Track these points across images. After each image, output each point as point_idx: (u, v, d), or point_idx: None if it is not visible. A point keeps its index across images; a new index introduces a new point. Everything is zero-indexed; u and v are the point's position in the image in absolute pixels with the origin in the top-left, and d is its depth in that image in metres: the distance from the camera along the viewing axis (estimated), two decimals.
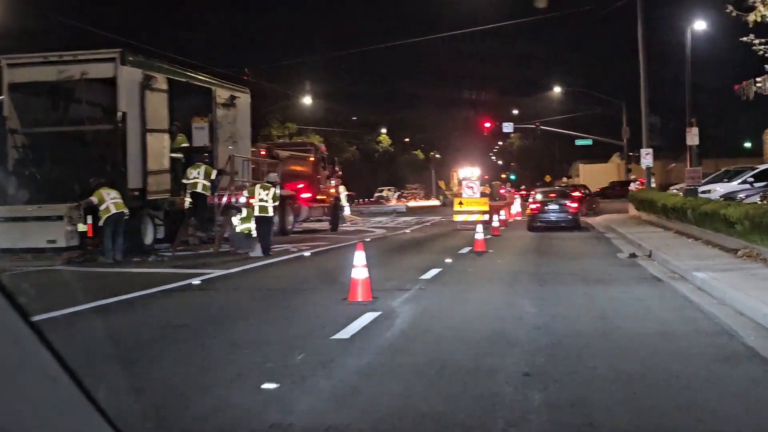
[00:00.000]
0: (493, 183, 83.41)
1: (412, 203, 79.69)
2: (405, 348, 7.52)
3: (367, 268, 10.66)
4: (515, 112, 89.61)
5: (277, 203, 18.71)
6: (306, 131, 77.95)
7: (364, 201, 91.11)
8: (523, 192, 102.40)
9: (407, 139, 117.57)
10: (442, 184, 57.44)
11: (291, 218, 27.03)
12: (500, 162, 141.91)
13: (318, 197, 29.54)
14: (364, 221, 39.38)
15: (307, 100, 70.20)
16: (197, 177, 19.03)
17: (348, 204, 56.09)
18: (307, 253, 18.86)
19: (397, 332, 8.45)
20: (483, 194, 34.84)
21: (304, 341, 7.91)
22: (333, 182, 31.35)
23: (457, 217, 30.27)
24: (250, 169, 22.91)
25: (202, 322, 9.33)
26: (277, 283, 13.40)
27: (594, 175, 73.46)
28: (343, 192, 32.84)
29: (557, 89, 71.07)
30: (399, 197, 78.92)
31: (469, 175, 64.57)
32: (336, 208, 30.55)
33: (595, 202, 42.95)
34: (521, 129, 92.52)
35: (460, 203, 30.33)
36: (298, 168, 28.66)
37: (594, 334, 8.10)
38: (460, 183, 34.22)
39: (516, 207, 42.52)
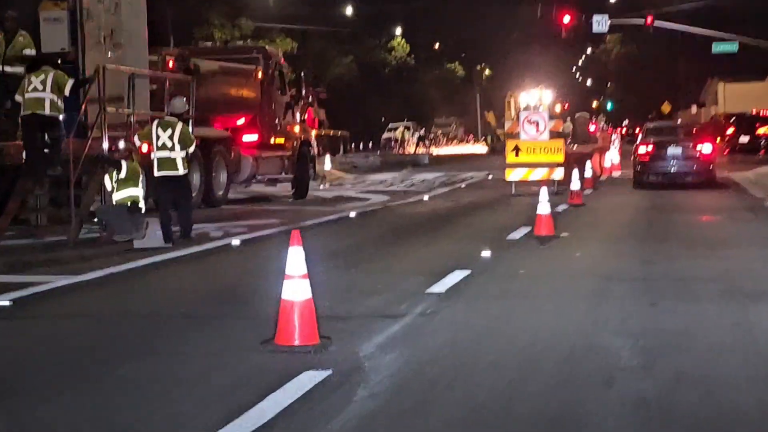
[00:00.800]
0: (577, 115, 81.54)
1: (441, 149, 77.90)
2: None
3: (310, 279, 8.92)
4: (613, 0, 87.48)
5: (190, 150, 17.54)
6: (270, 33, 76.20)
7: (364, 146, 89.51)
8: (625, 129, 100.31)
9: (437, 46, 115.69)
10: (490, 116, 55.18)
11: (223, 177, 25.69)
12: (588, 82, 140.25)
13: (272, 141, 28.26)
14: (357, 180, 37.65)
15: None
16: (41, 90, 17.23)
17: (329, 154, 54.55)
18: (236, 241, 17.30)
19: (353, 422, 6.68)
20: (555, 134, 33.19)
21: None
22: (299, 116, 29.85)
23: (511, 174, 28.74)
24: (146, 94, 21.22)
25: None
26: (158, 305, 11.65)
27: (743, 101, 71.07)
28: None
29: None
30: (421, 140, 77.20)
31: (534, 101, 62.51)
32: (304, 160, 29.11)
33: None
34: (622, 27, 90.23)
35: (516, 150, 28.67)
36: (236, 91, 27.18)
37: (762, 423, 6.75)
38: (518, 116, 32.32)
39: (613, 154, 40.57)
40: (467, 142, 79.04)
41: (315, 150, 31.43)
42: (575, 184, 24.58)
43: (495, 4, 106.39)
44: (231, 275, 14.21)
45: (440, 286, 12.06)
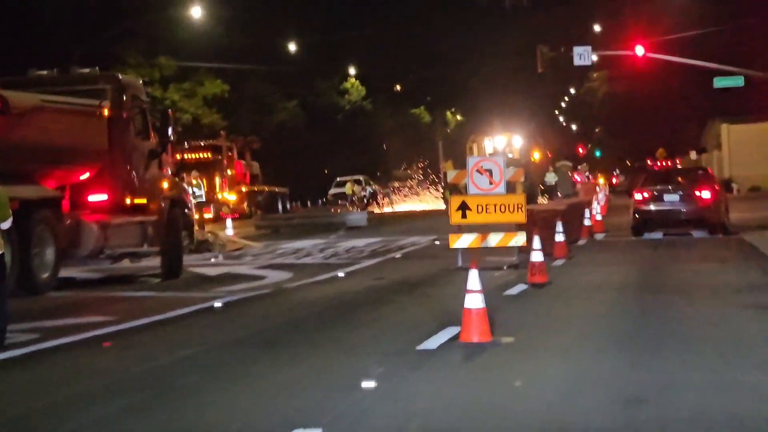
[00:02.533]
0: (559, 165, 76.74)
1: (398, 206, 73.34)
2: None
3: None
4: (597, 29, 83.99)
5: (4, 226, 14.44)
6: (196, 73, 71.64)
7: (312, 203, 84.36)
8: (614, 179, 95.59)
9: (398, 87, 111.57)
10: (449, 166, 50.35)
11: (50, 253, 20.95)
12: (574, 126, 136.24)
13: (128, 202, 23.33)
14: (265, 250, 32.45)
15: (196, 13, 63.59)
16: None
17: (231, 213, 49.40)
18: None
19: None
20: (514, 186, 28.86)
21: None
22: (168, 168, 25.44)
23: (458, 241, 23.74)
24: None
25: None
26: None
27: (751, 144, 67.33)
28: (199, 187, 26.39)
29: None
30: (372, 195, 72.44)
31: (502, 147, 57.73)
32: (174, 228, 24.13)
33: None
34: (609, 62, 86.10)
35: (464, 208, 23.79)
36: (74, 135, 22.31)
37: None
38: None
39: (597, 209, 35.70)
40: (429, 194, 74.62)
41: (194, 212, 26.27)
42: (536, 256, 19.68)
43: (466, 39, 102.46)
44: None
45: None
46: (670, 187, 31.60)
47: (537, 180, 60.97)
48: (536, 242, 19.88)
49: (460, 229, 23.86)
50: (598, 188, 56.53)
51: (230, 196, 58.85)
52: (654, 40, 66.34)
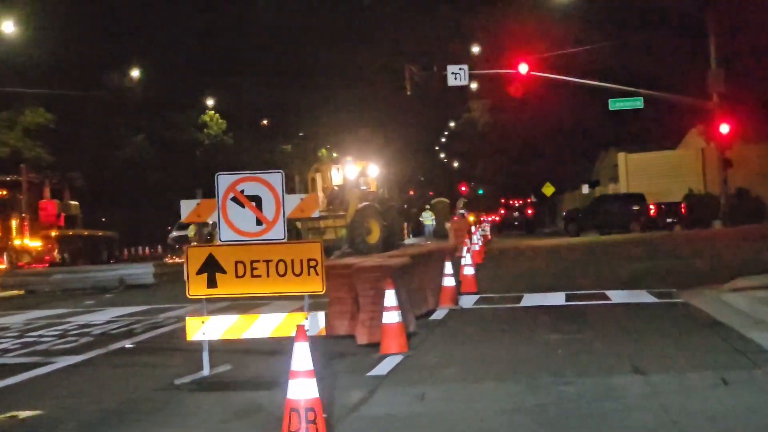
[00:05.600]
0: (434, 202, 67.99)
1: None
2: None
3: None
4: (476, 49, 75.81)
5: None
6: (20, 100, 61.00)
7: (150, 250, 73.76)
8: (497, 217, 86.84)
9: (265, 122, 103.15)
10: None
11: None
12: (456, 164, 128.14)
13: None
14: None
15: (8, 28, 53.63)
16: None
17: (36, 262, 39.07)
18: None
19: None
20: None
21: None
22: None
23: (200, 330, 13.37)
24: None
25: None
26: None
27: (650, 175, 59.49)
28: None
29: None
30: (209, 239, 61.32)
31: (352, 176, 47.28)
32: None
33: None
34: (492, 88, 77.09)
35: (212, 268, 13.13)
36: None
37: None
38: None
39: (468, 259, 24.23)
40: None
41: None
42: (299, 390, 8.63)
43: (339, 66, 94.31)
44: None
45: None
46: None
47: (399, 219, 50.74)
48: (299, 356, 8.82)
49: (204, 308, 13.16)
50: (473, 228, 45.91)
51: (33, 243, 47.24)
52: (540, 56, 57.91)
